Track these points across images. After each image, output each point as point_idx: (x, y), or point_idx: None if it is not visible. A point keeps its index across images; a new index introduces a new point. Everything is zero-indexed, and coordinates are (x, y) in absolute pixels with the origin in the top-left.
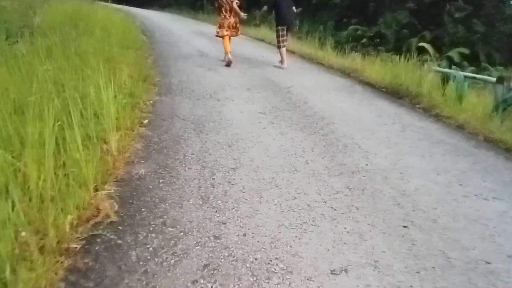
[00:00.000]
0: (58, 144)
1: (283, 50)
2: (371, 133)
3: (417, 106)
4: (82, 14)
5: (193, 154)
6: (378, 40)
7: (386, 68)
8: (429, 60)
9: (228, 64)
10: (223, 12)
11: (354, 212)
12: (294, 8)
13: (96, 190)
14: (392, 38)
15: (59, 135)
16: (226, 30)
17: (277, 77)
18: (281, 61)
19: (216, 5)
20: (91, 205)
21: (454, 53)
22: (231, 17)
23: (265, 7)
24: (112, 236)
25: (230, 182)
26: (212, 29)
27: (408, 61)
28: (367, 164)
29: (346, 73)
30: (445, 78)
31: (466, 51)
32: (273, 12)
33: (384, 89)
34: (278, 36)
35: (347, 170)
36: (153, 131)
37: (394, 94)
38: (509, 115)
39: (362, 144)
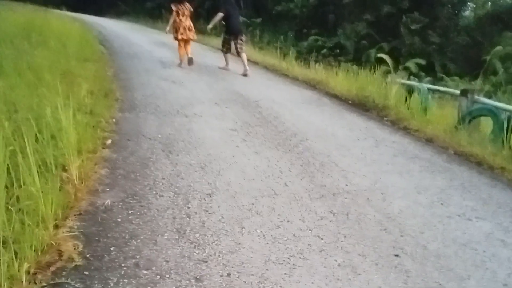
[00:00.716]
0: (10, 173)
1: (244, 56)
2: (346, 149)
3: (385, 119)
4: (36, 24)
5: (163, 179)
6: (338, 50)
7: (350, 80)
8: (392, 72)
9: (190, 62)
10: (179, 16)
11: (342, 241)
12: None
13: (57, 227)
14: (351, 49)
15: (12, 162)
16: (182, 33)
17: (245, 89)
18: (226, 65)
19: (175, 8)
20: (51, 247)
21: (411, 64)
22: (187, 20)
23: (220, 15)
24: (78, 285)
25: (207, 211)
26: (172, 39)
27: (371, 72)
28: (347, 185)
29: (311, 85)
30: (410, 90)
31: (422, 61)
32: (224, 22)
33: (350, 102)
34: (224, 43)
35: (328, 192)
36: (118, 153)
37: (361, 106)
38: (474, 128)
39: (339, 162)
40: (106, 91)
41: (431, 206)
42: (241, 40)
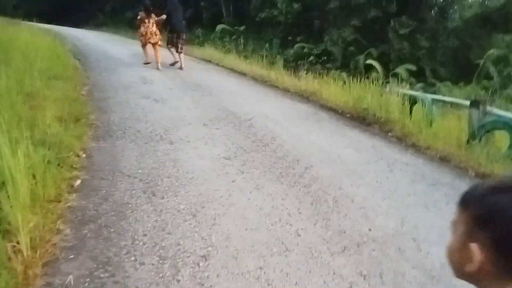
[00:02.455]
0: None
1: (181, 55)
2: (358, 176)
3: (390, 134)
4: (1, 39)
5: (145, 235)
6: (325, 57)
7: (344, 90)
8: (381, 78)
9: (148, 63)
10: (146, 22)
11: None
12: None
13: None
14: (339, 56)
15: None
16: (149, 38)
17: (235, 105)
18: (175, 62)
19: (139, 17)
20: None
21: (401, 70)
22: (153, 27)
23: (163, 16)
24: None
25: (203, 285)
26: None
27: (363, 80)
28: (370, 229)
29: (304, 97)
30: (411, 101)
31: (413, 67)
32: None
33: (348, 115)
34: (168, 41)
35: (351, 242)
36: (88, 199)
37: (361, 120)
38: (489, 143)
39: (354, 196)
40: (78, 115)
41: None
42: (183, 39)
